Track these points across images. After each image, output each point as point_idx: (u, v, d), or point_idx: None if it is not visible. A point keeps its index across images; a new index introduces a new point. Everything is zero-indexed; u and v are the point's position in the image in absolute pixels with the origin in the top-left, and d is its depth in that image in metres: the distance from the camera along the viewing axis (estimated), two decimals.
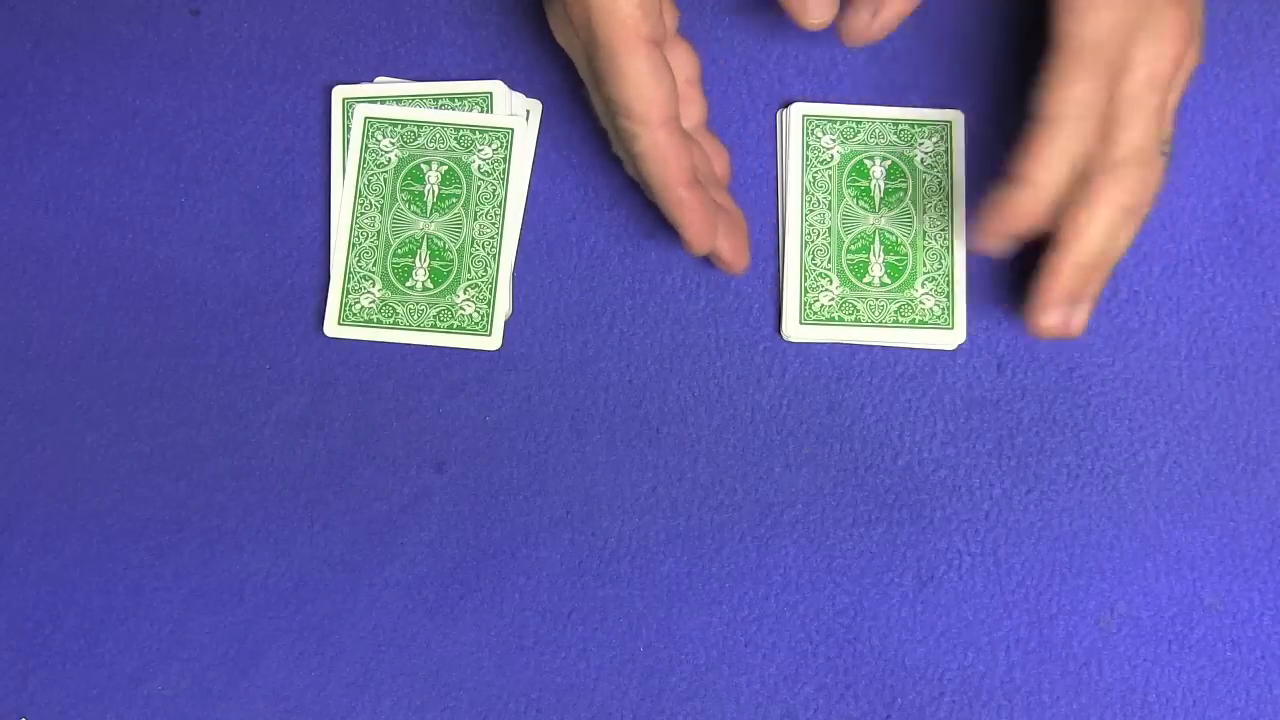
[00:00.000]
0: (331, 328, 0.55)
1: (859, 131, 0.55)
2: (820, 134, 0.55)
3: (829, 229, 0.55)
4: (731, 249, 0.52)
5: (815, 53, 0.56)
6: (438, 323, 0.54)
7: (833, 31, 0.51)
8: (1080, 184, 0.47)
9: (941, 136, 0.55)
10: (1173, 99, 0.48)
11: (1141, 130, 0.47)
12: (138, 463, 0.54)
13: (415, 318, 0.54)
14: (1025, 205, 0.47)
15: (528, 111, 0.56)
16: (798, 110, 0.55)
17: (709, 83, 0.55)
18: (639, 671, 0.52)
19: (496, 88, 0.56)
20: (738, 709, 0.52)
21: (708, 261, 0.54)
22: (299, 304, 0.55)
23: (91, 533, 0.54)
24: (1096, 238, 0.48)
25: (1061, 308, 0.50)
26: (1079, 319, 0.50)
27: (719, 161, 0.53)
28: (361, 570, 0.53)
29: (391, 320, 0.54)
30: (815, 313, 0.54)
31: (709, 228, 0.50)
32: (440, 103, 0.56)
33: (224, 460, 0.54)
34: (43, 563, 0.54)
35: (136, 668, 0.53)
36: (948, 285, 0.54)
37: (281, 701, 0.53)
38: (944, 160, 0.55)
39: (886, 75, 0.56)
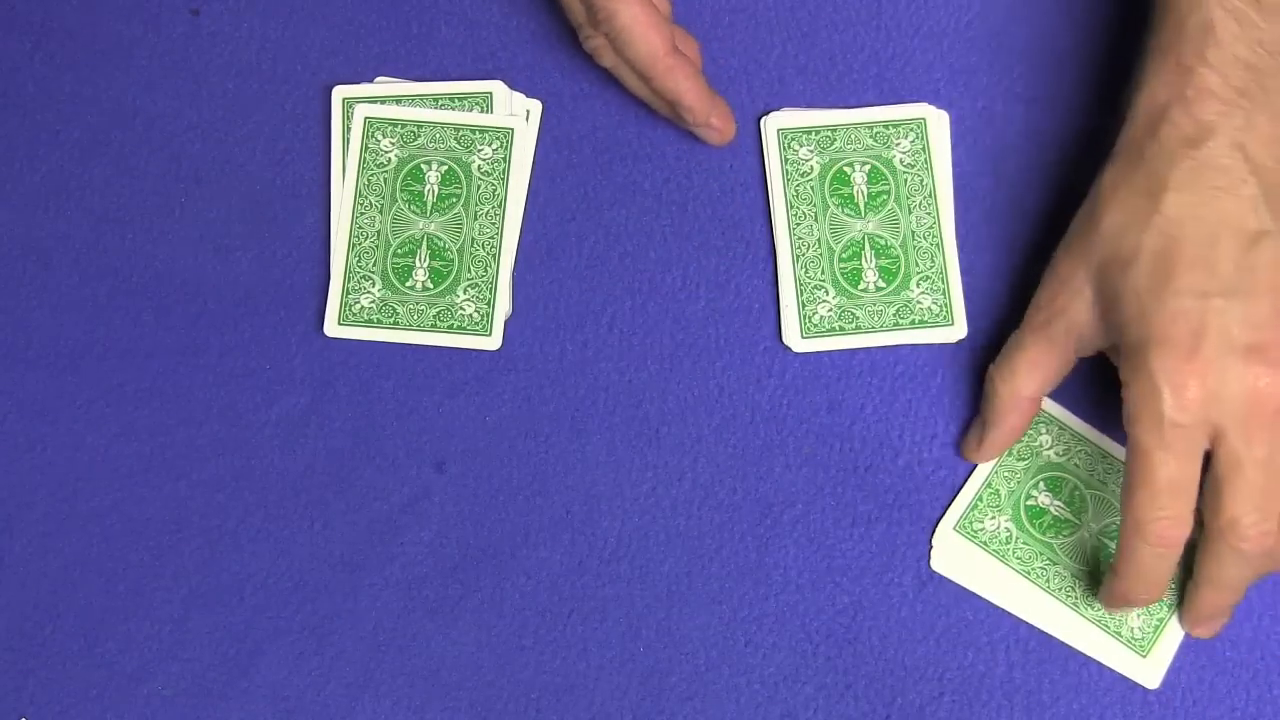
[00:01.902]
0: (331, 328, 0.55)
1: (835, 139, 0.55)
2: (797, 146, 0.55)
3: (818, 240, 0.55)
4: (721, 117, 0.53)
5: (793, 59, 0.56)
6: (438, 323, 0.54)
7: (813, 34, 0.50)
8: None
9: (917, 134, 0.55)
10: None
11: (1237, 499, 0.45)
12: (138, 463, 0.54)
13: (415, 318, 0.54)
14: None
15: (528, 111, 0.56)
16: (773, 124, 0.55)
17: None
18: (639, 671, 0.52)
19: (496, 88, 0.56)
20: (738, 709, 0.52)
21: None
22: (299, 304, 0.55)
23: (91, 533, 0.54)
24: (1213, 583, 0.48)
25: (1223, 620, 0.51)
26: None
27: (691, 48, 0.54)
28: (361, 570, 0.53)
29: (391, 320, 0.54)
30: (815, 325, 0.54)
31: (705, 91, 0.52)
32: (440, 103, 0.56)
33: (224, 460, 0.54)
34: (43, 563, 0.54)
35: (136, 668, 0.53)
36: (943, 283, 0.54)
37: (281, 701, 0.53)
38: (923, 158, 0.55)
39: (864, 74, 0.56)
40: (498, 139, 0.55)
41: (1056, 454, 0.53)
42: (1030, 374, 0.50)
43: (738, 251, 0.55)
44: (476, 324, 0.54)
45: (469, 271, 0.55)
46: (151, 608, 0.53)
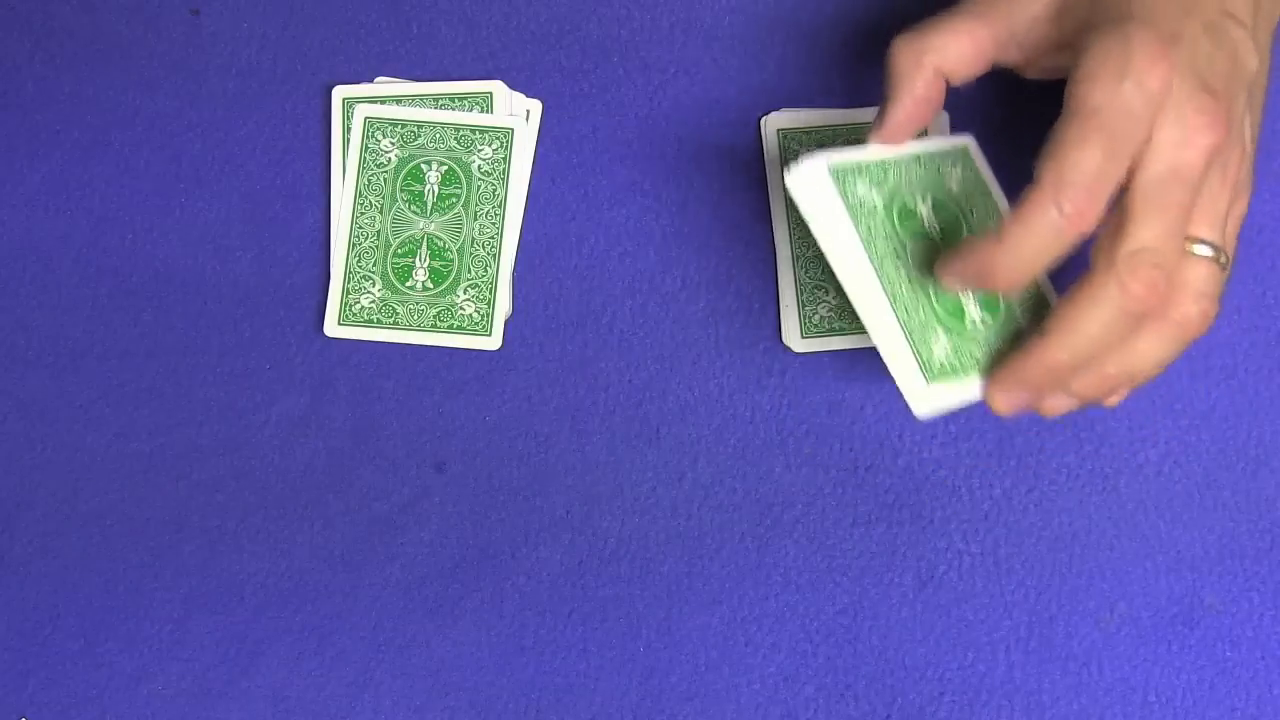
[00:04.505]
0: (331, 328, 0.55)
1: (835, 140, 0.55)
2: (797, 146, 0.55)
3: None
4: None
5: (793, 59, 0.56)
6: (438, 323, 0.54)
7: (813, 34, 0.50)
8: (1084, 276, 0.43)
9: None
10: (1211, 202, 0.43)
11: (1158, 228, 0.41)
12: (138, 463, 0.54)
13: (415, 318, 0.54)
14: (992, 262, 0.42)
15: (528, 111, 0.56)
16: (773, 124, 0.55)
17: (700, 88, 0.56)
18: (639, 671, 0.52)
19: (496, 88, 0.56)
20: (738, 709, 0.52)
21: (707, 261, 0.54)
22: (299, 304, 0.55)
23: (91, 533, 0.54)
24: (1080, 339, 0.43)
25: (1021, 395, 0.45)
26: (1054, 404, 0.46)
27: None
28: (361, 570, 0.53)
29: (391, 320, 0.54)
30: (815, 325, 0.54)
31: None
32: (440, 103, 0.56)
33: (224, 460, 0.54)
34: (43, 563, 0.54)
35: (136, 668, 0.53)
36: None
37: (281, 701, 0.53)
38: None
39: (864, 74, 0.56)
40: (498, 139, 0.55)
41: (955, 185, 0.49)
42: (943, 43, 0.45)
43: (738, 251, 0.55)
44: (476, 324, 0.54)
45: (469, 271, 0.55)
46: (151, 608, 0.53)
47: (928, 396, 0.45)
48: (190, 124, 0.57)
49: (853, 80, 0.56)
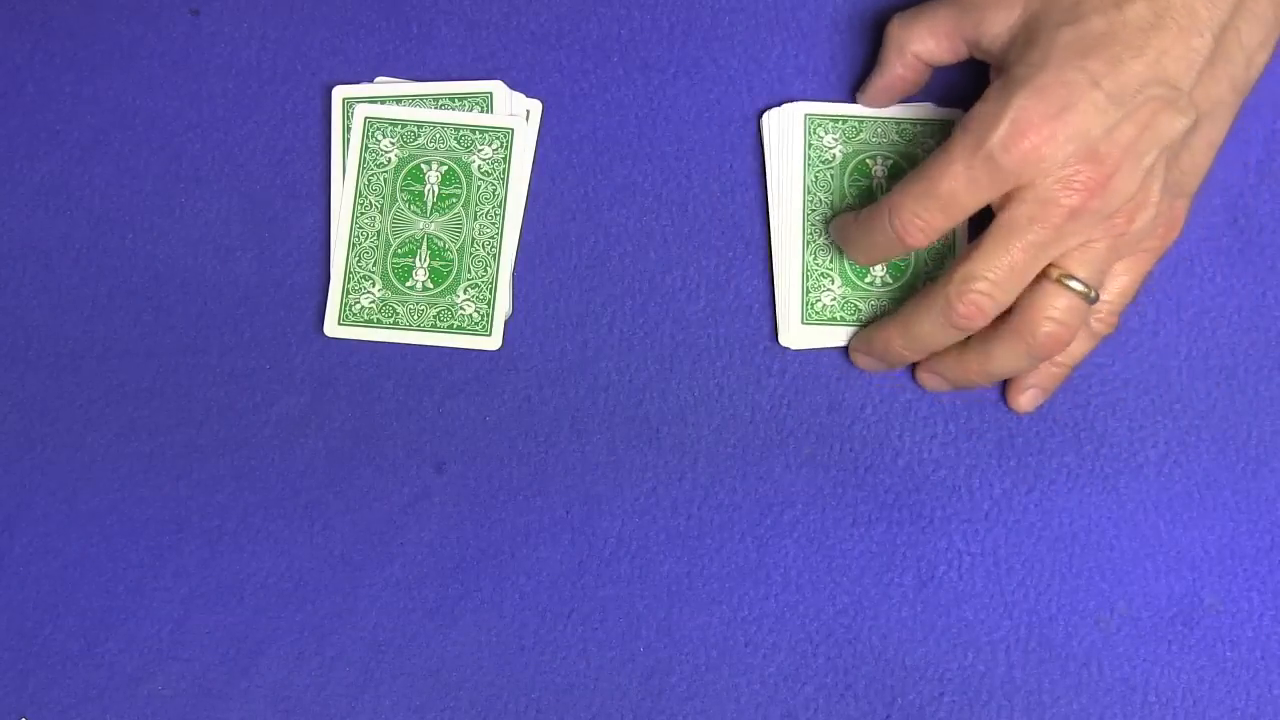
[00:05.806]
0: (331, 328, 0.55)
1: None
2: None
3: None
4: None
5: (793, 59, 0.56)
6: (438, 323, 0.54)
7: (813, 34, 0.50)
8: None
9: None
10: (1084, 248, 0.47)
11: (999, 261, 0.46)
12: (138, 463, 0.54)
13: (415, 318, 0.54)
14: (848, 240, 0.51)
15: (528, 111, 0.56)
16: (772, 123, 0.55)
17: (700, 88, 0.56)
18: (639, 671, 0.52)
19: (496, 88, 0.56)
20: (738, 709, 0.52)
21: (707, 261, 0.55)
22: (299, 304, 0.55)
23: (91, 533, 0.54)
24: (912, 332, 0.49)
25: (871, 361, 0.53)
26: (928, 381, 0.53)
27: None
28: (361, 570, 0.53)
29: (391, 320, 0.54)
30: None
31: None
32: (440, 103, 0.56)
33: (224, 460, 0.54)
34: (43, 563, 0.54)
35: (136, 668, 0.53)
36: None
37: (281, 701, 0.53)
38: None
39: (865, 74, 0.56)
40: (498, 139, 0.55)
41: (924, 155, 0.54)
42: (923, 34, 0.51)
43: (738, 251, 0.55)
44: (476, 324, 0.54)
45: (469, 271, 0.55)
46: (151, 608, 0.53)
47: (799, 335, 0.53)
48: (190, 124, 0.57)
49: (852, 80, 0.56)
